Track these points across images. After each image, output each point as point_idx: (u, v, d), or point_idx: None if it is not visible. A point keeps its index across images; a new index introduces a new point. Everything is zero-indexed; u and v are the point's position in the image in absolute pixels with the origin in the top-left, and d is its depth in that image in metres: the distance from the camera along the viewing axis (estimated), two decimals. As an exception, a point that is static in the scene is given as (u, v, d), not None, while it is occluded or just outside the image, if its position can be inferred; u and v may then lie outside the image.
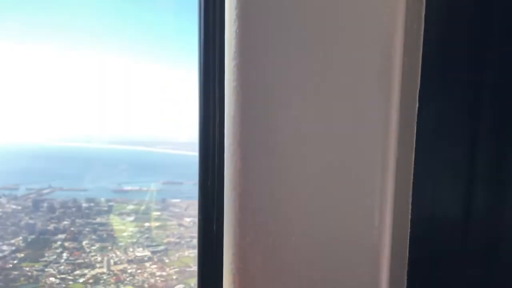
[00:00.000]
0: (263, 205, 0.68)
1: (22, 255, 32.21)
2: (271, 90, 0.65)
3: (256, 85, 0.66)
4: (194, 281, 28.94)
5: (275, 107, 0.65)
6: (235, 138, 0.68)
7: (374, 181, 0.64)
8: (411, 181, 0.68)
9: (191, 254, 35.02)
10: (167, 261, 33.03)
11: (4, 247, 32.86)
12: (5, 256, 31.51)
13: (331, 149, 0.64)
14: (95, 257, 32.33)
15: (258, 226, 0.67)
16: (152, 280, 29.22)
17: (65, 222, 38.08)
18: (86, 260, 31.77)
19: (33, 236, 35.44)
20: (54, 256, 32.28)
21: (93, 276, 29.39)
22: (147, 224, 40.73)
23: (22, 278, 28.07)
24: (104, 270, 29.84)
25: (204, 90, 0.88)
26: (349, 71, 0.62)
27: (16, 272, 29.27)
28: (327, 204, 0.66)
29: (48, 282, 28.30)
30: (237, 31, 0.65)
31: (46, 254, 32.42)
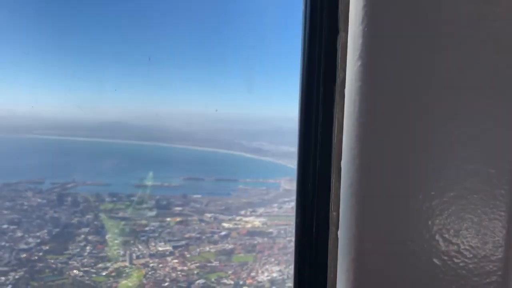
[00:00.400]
0: (385, 212, 0.64)
1: (47, 247, 32.84)
2: (405, 92, 0.60)
3: (386, 86, 0.61)
4: (215, 276, 29.02)
5: (409, 110, 0.60)
6: (358, 142, 0.64)
7: None
8: None
9: (211, 250, 35.10)
10: (188, 256, 33.14)
11: (30, 240, 33.56)
12: (30, 249, 32.18)
13: (472, 159, 0.58)
14: (117, 250, 32.66)
15: (379, 232, 0.65)
16: (173, 275, 29.40)
17: (88, 216, 38.72)
18: (109, 253, 32.16)
19: (57, 229, 36.16)
20: (78, 249, 32.81)
21: (116, 269, 29.73)
22: (168, 219, 41.08)
23: (47, 270, 28.59)
24: (127, 263, 30.13)
25: (307, 89, 0.80)
26: (498, 71, 0.56)
27: (41, 264, 29.87)
28: (460, 218, 0.60)
29: (71, 274, 28.81)
30: (365, 29, 0.60)
31: (70, 247, 32.98)
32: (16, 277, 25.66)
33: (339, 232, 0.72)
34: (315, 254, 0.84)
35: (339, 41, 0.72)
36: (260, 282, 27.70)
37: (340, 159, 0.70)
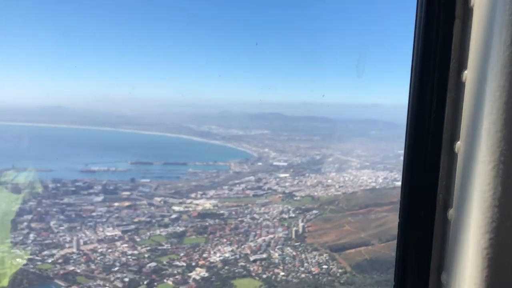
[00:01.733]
0: None
1: (-14, 236, 29.90)
2: None
3: None
4: (166, 259, 28.88)
5: None
6: (505, 124, 0.62)
7: None
8: None
9: (162, 233, 34.98)
10: (138, 240, 32.93)
11: (-34, 229, 30.35)
12: (-33, 238, 29.15)
13: None
14: (63, 237, 31.83)
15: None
16: (123, 259, 28.90)
17: (31, 203, 37.18)
18: (54, 240, 31.30)
19: (-4, 217, 32.59)
20: (21, 237, 31.62)
21: (62, 256, 28.86)
22: (116, 204, 40.41)
23: (-14, 260, 26.36)
24: (74, 250, 29.37)
25: (420, 74, 0.81)
26: None
27: (-22, 254, 27.22)
28: None
29: (14, 263, 27.61)
30: None
31: (12, 235, 31.64)
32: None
33: (451, 213, 0.72)
34: (420, 235, 0.83)
35: (455, 28, 0.72)
36: (213, 262, 28.05)
37: (453, 142, 0.71)
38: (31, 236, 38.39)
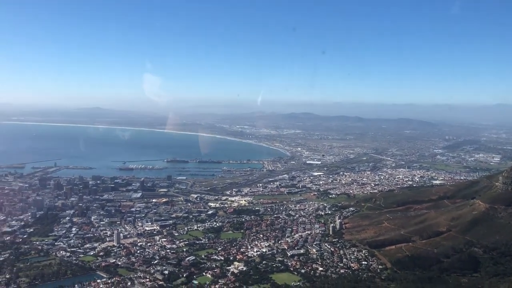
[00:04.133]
0: None
1: (31, 230, 32.54)
2: None
3: None
4: (204, 253, 29.06)
5: None
6: None
7: None
8: None
9: (199, 228, 35.32)
10: (176, 234, 33.38)
11: (13, 222, 33.17)
12: (14, 231, 31.84)
13: None
14: (104, 231, 32.65)
15: None
16: (162, 253, 29.36)
17: (73, 199, 38.65)
18: (95, 234, 32.13)
19: (41, 212, 35.96)
20: (64, 231, 32.53)
21: (104, 249, 29.54)
22: (154, 200, 41.42)
23: (32, 252, 28.25)
24: (114, 243, 30.05)
25: None
26: None
27: (26, 246, 29.40)
28: None
29: (58, 255, 28.42)
30: None
31: (55, 229, 32.73)
32: (1, 259, 25.24)
33: None
34: None
35: None
36: (251, 257, 28.02)
37: None
38: (74, 230, 39.48)
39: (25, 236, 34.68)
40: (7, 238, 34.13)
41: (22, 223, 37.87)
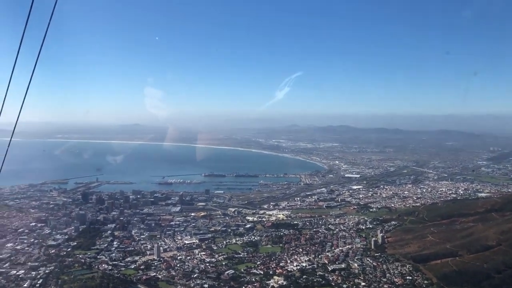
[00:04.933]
0: None
1: (75, 243, 33.19)
2: None
3: None
4: (243, 267, 28.73)
5: None
6: None
7: None
8: None
9: (238, 242, 35.09)
10: (215, 248, 33.23)
11: (58, 236, 33.96)
12: (59, 244, 32.57)
13: None
14: (145, 245, 32.89)
15: None
16: (202, 266, 29.28)
17: (114, 213, 39.26)
18: (136, 247, 32.42)
19: (84, 226, 36.66)
20: (105, 244, 33.05)
21: (144, 263, 29.73)
22: (192, 214, 41.44)
23: (76, 265, 28.75)
24: (155, 257, 30.24)
25: None
26: None
27: (70, 259, 29.98)
28: None
29: (101, 268, 28.85)
30: None
31: (98, 243, 33.26)
32: (47, 271, 25.83)
33: None
34: None
35: None
36: (290, 271, 27.47)
37: None
38: (115, 243, 40.07)
39: (69, 249, 35.39)
40: (52, 251, 34.87)
41: (66, 237, 38.77)
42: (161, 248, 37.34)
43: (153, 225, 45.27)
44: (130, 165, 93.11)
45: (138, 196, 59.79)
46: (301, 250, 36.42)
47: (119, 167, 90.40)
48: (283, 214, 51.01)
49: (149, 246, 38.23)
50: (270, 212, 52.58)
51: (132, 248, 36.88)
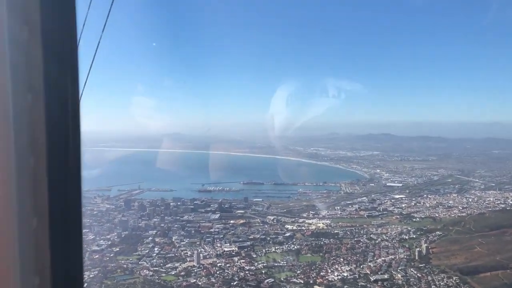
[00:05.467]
0: None
1: (117, 249, 33.85)
2: None
3: None
4: (283, 276, 28.35)
5: None
6: None
7: None
8: None
9: (277, 250, 34.72)
10: (254, 256, 32.99)
11: (101, 242, 34.80)
12: (102, 250, 33.28)
13: None
14: (185, 251, 33.07)
15: None
16: (241, 274, 29.04)
17: (155, 220, 39.89)
18: (176, 254, 32.62)
19: (126, 232, 37.35)
20: (147, 250, 33.53)
21: (184, 269, 29.90)
22: (231, 221, 41.44)
23: (118, 270, 29.21)
24: (194, 263, 30.32)
25: None
26: None
27: (112, 264, 30.58)
28: None
29: (142, 274, 29.24)
30: None
31: (139, 249, 33.77)
32: (91, 276, 26.37)
33: None
34: None
35: None
36: (331, 281, 26.80)
37: None
38: (156, 249, 40.92)
39: (111, 255, 35.76)
40: (96, 256, 35.37)
41: (109, 243, 39.59)
42: (200, 254, 37.65)
43: (193, 232, 45.71)
44: (171, 173, 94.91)
45: (178, 203, 60.60)
46: (342, 259, 35.77)
47: (160, 174, 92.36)
48: (323, 223, 50.25)
49: (189, 253, 38.61)
50: (310, 221, 51.93)
51: (173, 255, 36.71)
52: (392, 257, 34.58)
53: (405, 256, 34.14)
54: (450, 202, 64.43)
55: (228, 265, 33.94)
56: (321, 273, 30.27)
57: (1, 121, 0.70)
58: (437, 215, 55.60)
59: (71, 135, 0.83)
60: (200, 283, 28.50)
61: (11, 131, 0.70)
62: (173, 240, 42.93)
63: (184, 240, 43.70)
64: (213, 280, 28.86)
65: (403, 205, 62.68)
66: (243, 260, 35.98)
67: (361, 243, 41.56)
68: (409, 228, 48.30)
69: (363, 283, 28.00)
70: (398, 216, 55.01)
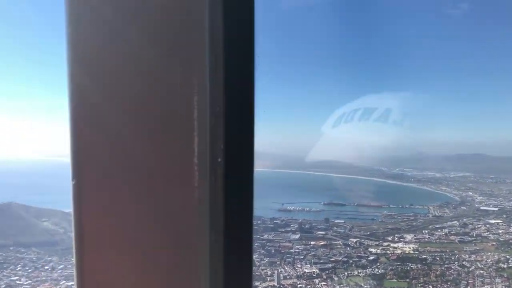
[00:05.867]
0: None
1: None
2: None
3: None
4: (367, 304, 25.79)
5: None
6: None
7: None
8: None
9: (360, 274, 33.26)
10: (336, 279, 31.85)
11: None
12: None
13: None
14: (265, 270, 32.84)
15: None
16: (323, 298, 27.14)
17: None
18: (256, 273, 32.48)
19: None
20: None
21: (265, 291, 28.42)
22: (312, 242, 40.36)
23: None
24: (275, 283, 29.92)
25: None
26: None
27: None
28: None
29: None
30: None
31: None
32: None
33: None
34: None
35: None
36: (422, 311, 23.53)
37: None
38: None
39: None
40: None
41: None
42: (281, 275, 37.29)
43: (273, 251, 45.50)
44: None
45: (259, 222, 60.80)
46: (431, 287, 33.54)
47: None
48: (409, 247, 47.54)
49: (269, 272, 38.43)
50: (395, 245, 49.32)
51: (253, 274, 38.75)
52: (488, 287, 31.77)
53: (504, 287, 31.24)
54: (557, 229, 58.32)
55: (309, 286, 33.18)
56: (408, 301, 28.57)
57: (199, 126, 0.70)
58: (541, 243, 50.42)
59: (244, 154, 0.81)
60: (280, 303, 28.16)
61: (206, 138, 0.70)
62: (254, 258, 46.59)
63: (264, 259, 46.57)
64: (292, 301, 28.37)
65: (500, 231, 57.26)
66: (324, 283, 34.99)
67: (452, 270, 38.58)
68: (507, 256, 43.96)
69: (455, 313, 25.95)
70: (494, 243, 50.34)
